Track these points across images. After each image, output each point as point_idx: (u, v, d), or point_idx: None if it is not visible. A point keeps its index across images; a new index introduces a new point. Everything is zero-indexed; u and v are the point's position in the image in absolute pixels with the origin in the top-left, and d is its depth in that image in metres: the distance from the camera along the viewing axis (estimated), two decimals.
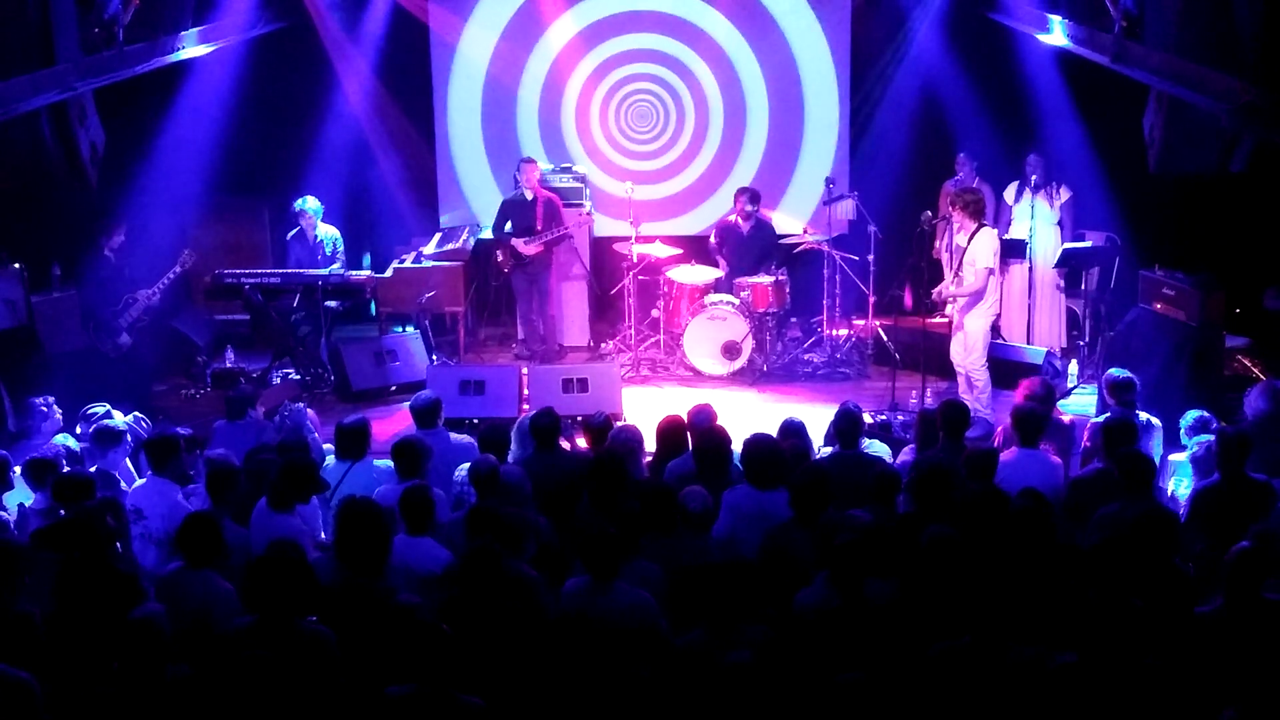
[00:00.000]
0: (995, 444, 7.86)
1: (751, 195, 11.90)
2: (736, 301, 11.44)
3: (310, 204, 11.62)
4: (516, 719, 4.88)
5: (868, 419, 8.48)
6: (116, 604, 5.27)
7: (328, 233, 11.71)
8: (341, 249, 11.72)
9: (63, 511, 6.38)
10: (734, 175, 13.24)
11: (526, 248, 11.61)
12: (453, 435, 7.93)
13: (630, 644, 5.29)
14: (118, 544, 6.22)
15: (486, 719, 4.76)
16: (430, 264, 11.75)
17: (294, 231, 11.75)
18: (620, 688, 4.76)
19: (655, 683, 4.88)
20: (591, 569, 5.58)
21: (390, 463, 7.07)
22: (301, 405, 8.54)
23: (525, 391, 10.33)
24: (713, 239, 12.16)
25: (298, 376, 11.25)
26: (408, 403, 10.72)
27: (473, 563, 5.46)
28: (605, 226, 12.82)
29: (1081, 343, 11.50)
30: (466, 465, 7.11)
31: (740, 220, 11.89)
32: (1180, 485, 7.38)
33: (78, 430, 8.08)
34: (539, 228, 11.64)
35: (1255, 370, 10.51)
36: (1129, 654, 4.78)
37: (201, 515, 5.94)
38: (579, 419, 8.95)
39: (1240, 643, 5.09)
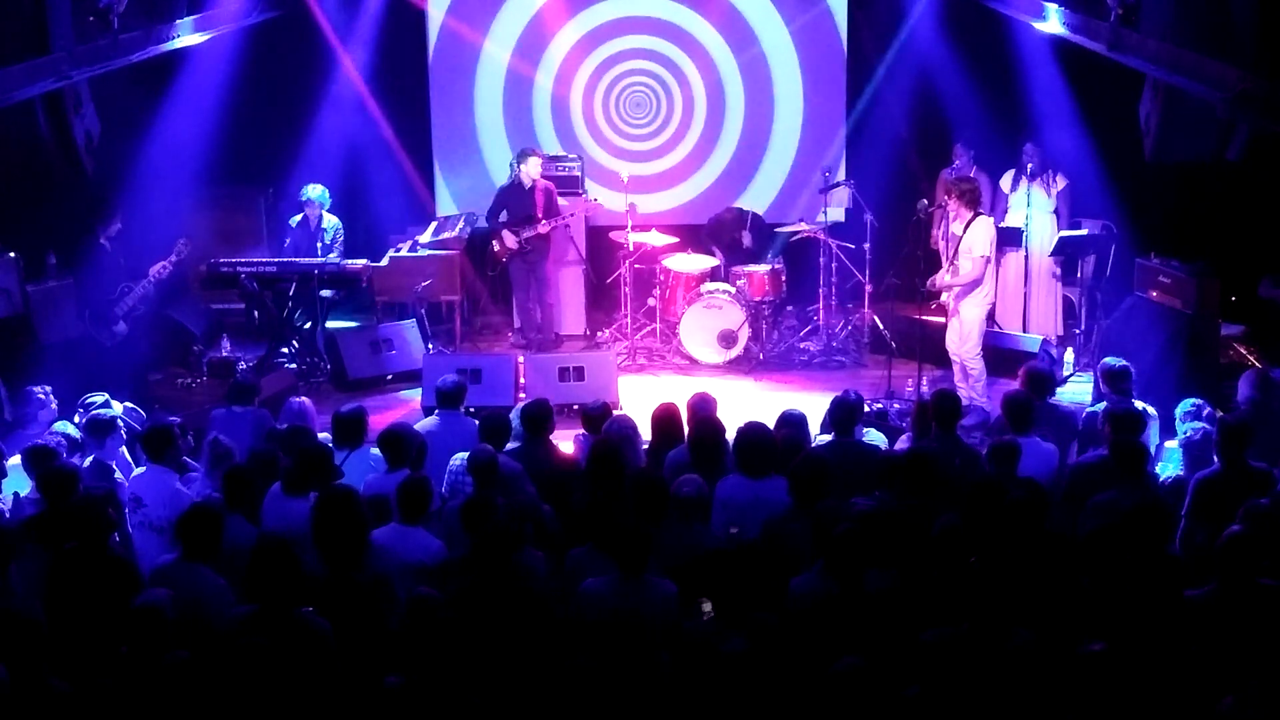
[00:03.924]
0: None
1: (744, 221, 12.05)
2: (733, 290, 11.45)
3: (315, 192, 11.63)
4: (534, 710, 4.89)
5: (865, 407, 8.48)
6: (116, 593, 5.28)
7: (330, 222, 11.72)
8: (341, 239, 11.72)
9: (47, 505, 6.37)
10: (727, 165, 13.25)
11: (525, 234, 11.62)
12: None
13: (659, 635, 5.32)
14: (114, 535, 6.23)
15: (479, 714, 4.77)
16: (426, 253, 11.75)
17: (298, 218, 11.74)
18: (648, 679, 4.78)
19: (674, 670, 4.91)
20: (623, 564, 5.58)
21: None
22: (303, 400, 8.50)
23: (522, 380, 10.35)
24: (706, 230, 12.21)
25: (293, 365, 11.24)
26: (405, 391, 10.92)
27: (484, 550, 5.47)
28: (601, 215, 12.79)
29: (1077, 331, 11.51)
30: (463, 454, 7.12)
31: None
32: (1168, 470, 7.40)
33: (76, 419, 8.08)
34: (539, 215, 11.64)
35: (1251, 358, 10.55)
36: (1126, 641, 4.81)
37: (204, 507, 5.95)
38: (575, 408, 8.95)
39: (1235, 628, 5.10)
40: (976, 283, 9.74)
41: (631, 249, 11.74)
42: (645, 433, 7.78)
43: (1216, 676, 4.77)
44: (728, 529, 6.38)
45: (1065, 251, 11.43)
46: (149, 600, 5.03)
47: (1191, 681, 4.78)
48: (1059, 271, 11.69)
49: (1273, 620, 5.12)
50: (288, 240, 11.72)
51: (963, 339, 9.90)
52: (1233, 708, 4.49)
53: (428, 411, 8.96)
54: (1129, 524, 5.71)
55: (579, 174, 12.58)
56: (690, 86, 13.31)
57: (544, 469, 7.14)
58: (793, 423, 7.49)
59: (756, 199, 13.09)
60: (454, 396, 7.92)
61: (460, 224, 12.34)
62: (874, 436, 7.86)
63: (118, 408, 8.03)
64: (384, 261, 11.65)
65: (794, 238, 12.07)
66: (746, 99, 13.31)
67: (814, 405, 8.71)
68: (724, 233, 12.26)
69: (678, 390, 9.61)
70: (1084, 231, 11.61)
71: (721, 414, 7.60)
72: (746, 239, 12.10)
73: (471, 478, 6.72)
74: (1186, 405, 7.59)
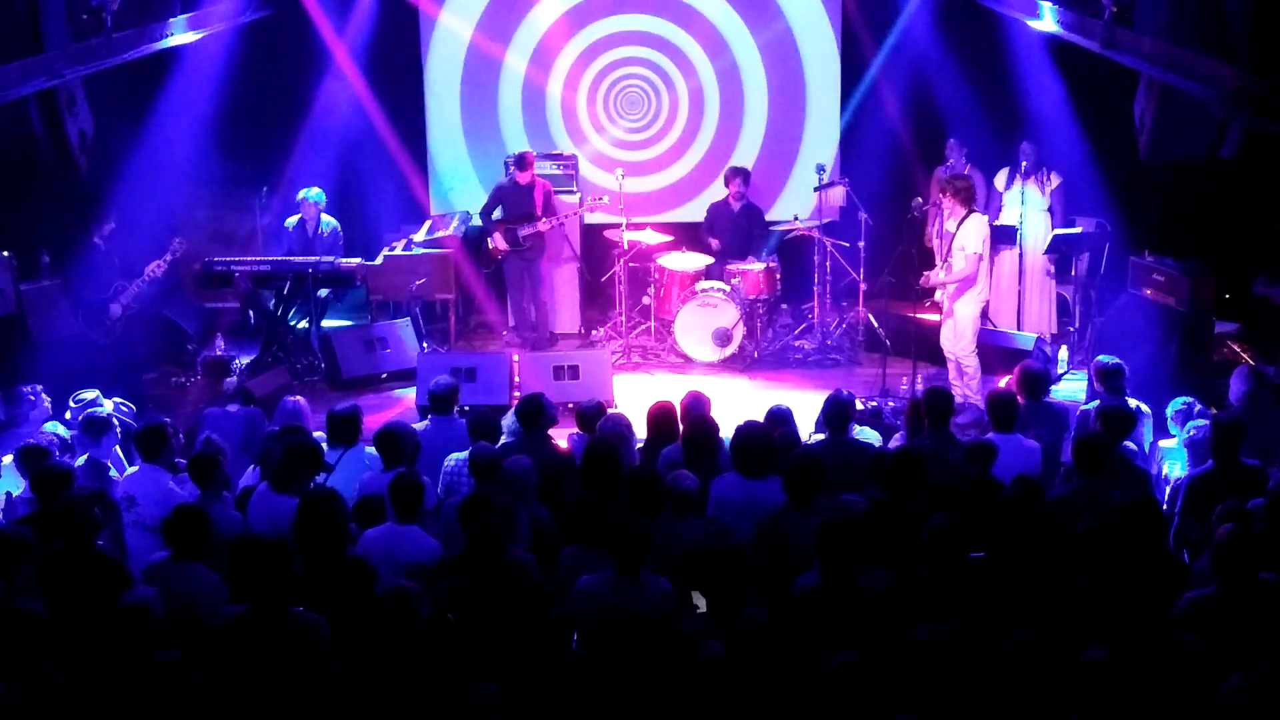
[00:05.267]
0: None
1: (744, 176, 12.00)
2: (728, 288, 11.44)
3: (313, 194, 11.62)
4: (529, 706, 4.90)
5: (859, 405, 8.50)
6: (104, 591, 5.28)
7: (329, 224, 11.71)
8: (340, 241, 11.72)
9: (41, 504, 6.37)
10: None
11: (524, 232, 11.62)
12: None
13: (655, 633, 5.33)
14: (104, 533, 6.22)
15: (500, 706, 4.78)
16: (421, 251, 11.74)
17: (294, 219, 11.73)
18: (644, 677, 4.79)
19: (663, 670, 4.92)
20: (619, 563, 5.58)
21: None
22: (297, 399, 8.50)
23: (516, 379, 10.35)
24: (704, 221, 12.21)
25: (288, 364, 11.21)
26: (399, 390, 10.92)
27: (477, 545, 5.47)
28: (595, 214, 12.76)
29: (1071, 329, 11.52)
30: (457, 454, 7.12)
31: (732, 201, 11.98)
32: (1174, 469, 7.41)
33: (67, 416, 8.07)
34: (538, 214, 11.64)
35: (1244, 356, 10.55)
36: (1122, 639, 4.81)
37: (190, 508, 5.95)
38: (570, 406, 8.96)
39: (1239, 625, 5.09)
40: (970, 281, 9.76)
41: (626, 247, 11.74)
42: (639, 431, 7.78)
43: (1217, 673, 4.76)
44: (706, 526, 6.37)
45: (1059, 249, 11.44)
46: (135, 599, 5.02)
47: (1190, 680, 4.77)
48: (1053, 269, 11.69)
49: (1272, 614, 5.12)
50: (284, 246, 11.69)
51: (957, 337, 9.91)
52: (1238, 688, 4.49)
53: (422, 412, 8.95)
54: (1123, 521, 5.72)
55: (574, 173, 12.56)
56: (688, 86, 13.21)
57: (542, 465, 7.13)
58: (783, 418, 7.51)
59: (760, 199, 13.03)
60: (445, 401, 7.91)
61: (455, 222, 12.34)
62: (868, 435, 7.87)
63: (108, 405, 8.03)
64: (379, 260, 11.63)
65: (789, 236, 12.07)
66: (747, 100, 13.24)
67: (808, 403, 8.71)
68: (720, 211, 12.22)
69: (672, 388, 9.61)
70: (1078, 229, 11.61)
71: (716, 412, 7.61)
72: (735, 186, 12.04)
73: (472, 475, 6.73)
74: (1177, 404, 7.63)
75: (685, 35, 13.15)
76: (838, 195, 12.44)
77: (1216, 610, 5.19)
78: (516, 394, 9.94)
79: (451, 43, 13.11)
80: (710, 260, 11.87)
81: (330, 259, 11.31)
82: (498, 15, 13.06)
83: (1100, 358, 8.23)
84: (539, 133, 13.19)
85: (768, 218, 12.50)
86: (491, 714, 4.74)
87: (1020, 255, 11.55)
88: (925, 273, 10.17)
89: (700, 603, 5.62)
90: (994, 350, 10.47)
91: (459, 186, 13.22)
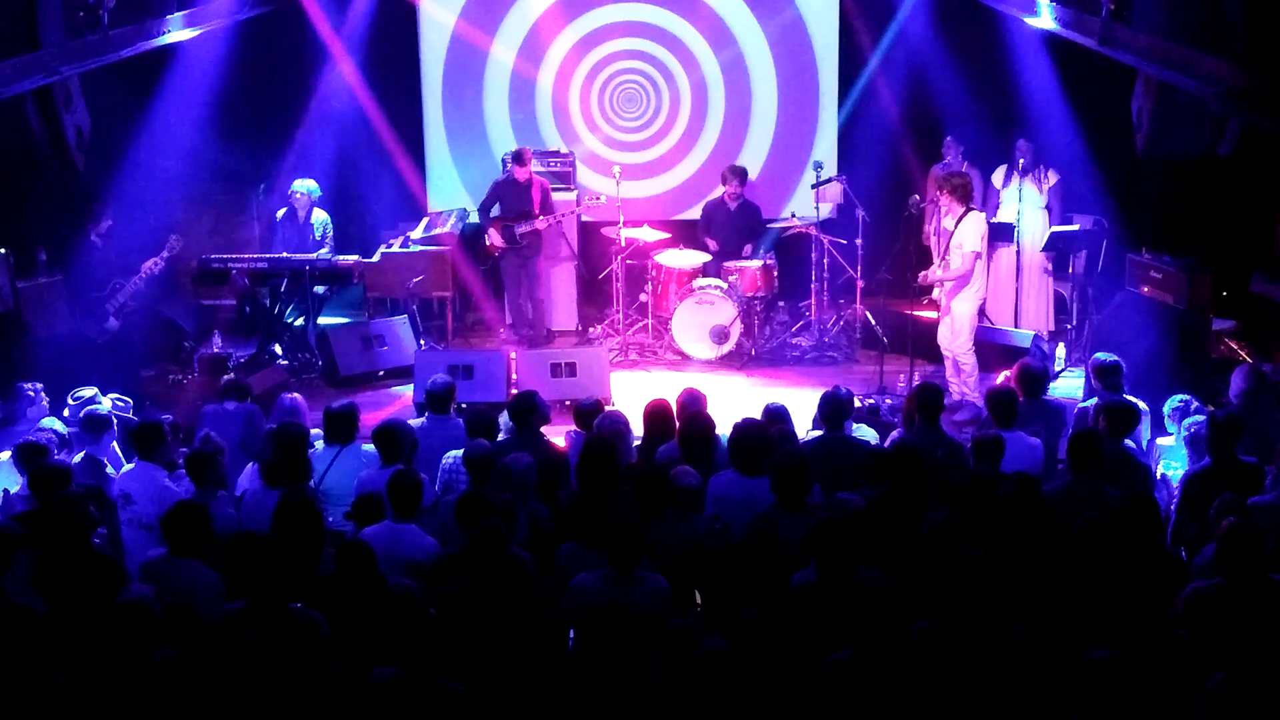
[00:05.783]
0: None
1: (742, 176, 11.98)
2: (725, 286, 11.44)
3: (306, 185, 11.62)
4: (527, 705, 4.90)
5: (856, 403, 8.50)
6: (100, 589, 5.28)
7: (319, 217, 11.71)
8: (331, 234, 11.72)
9: (38, 502, 6.37)
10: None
11: (522, 229, 11.61)
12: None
13: (651, 630, 5.34)
14: (101, 530, 6.22)
15: (470, 706, 4.77)
16: (418, 249, 11.74)
17: (284, 211, 11.73)
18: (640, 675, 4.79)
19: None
20: (615, 560, 5.58)
21: None
22: (295, 396, 8.50)
23: (514, 376, 10.35)
24: (700, 221, 12.19)
25: (285, 362, 11.22)
26: (396, 387, 10.92)
27: (478, 549, 5.47)
28: (594, 210, 12.71)
29: (1069, 326, 11.53)
30: (455, 451, 7.11)
31: (728, 200, 11.96)
32: (1173, 468, 7.41)
33: (65, 413, 8.06)
34: (536, 211, 11.64)
35: (1242, 353, 10.56)
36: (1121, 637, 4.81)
37: (189, 504, 5.96)
38: (568, 403, 8.96)
39: (1244, 618, 5.09)
40: (967, 278, 9.77)
41: (623, 245, 11.73)
42: (636, 428, 7.78)
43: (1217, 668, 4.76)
44: (712, 523, 6.37)
45: (1057, 247, 11.44)
46: (132, 597, 5.02)
47: (1189, 676, 4.78)
48: (1050, 267, 11.69)
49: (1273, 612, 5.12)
50: (279, 240, 11.68)
51: (954, 334, 9.92)
52: (1223, 684, 4.49)
53: (419, 409, 8.95)
54: (1120, 518, 5.72)
55: (571, 170, 12.54)
56: (691, 84, 13.10)
57: (536, 462, 7.12)
58: (780, 416, 7.51)
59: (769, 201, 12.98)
60: (442, 400, 7.90)
61: (452, 219, 12.33)
62: (865, 432, 7.87)
63: (106, 402, 8.03)
64: (376, 257, 11.64)
65: (786, 233, 12.06)
66: (727, 102, 13.14)
67: (805, 401, 8.71)
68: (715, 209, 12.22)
69: (670, 386, 9.61)
70: (1075, 227, 11.63)
71: (713, 410, 7.61)
72: (733, 185, 12.00)
73: (467, 472, 6.72)
74: (1174, 402, 7.64)
75: (687, 26, 12.97)
76: (835, 192, 12.43)
77: (1222, 604, 5.20)
78: (514, 391, 9.94)
79: (434, 32, 12.97)
80: (707, 257, 11.88)
81: (327, 256, 11.31)
82: (484, 2, 12.90)
83: (1098, 355, 8.24)
84: (528, 130, 13.07)
85: (765, 215, 12.50)
86: (459, 713, 4.74)
87: (1018, 252, 11.55)
88: (923, 271, 10.18)
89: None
90: (992, 348, 10.48)
91: (443, 185, 13.17)
